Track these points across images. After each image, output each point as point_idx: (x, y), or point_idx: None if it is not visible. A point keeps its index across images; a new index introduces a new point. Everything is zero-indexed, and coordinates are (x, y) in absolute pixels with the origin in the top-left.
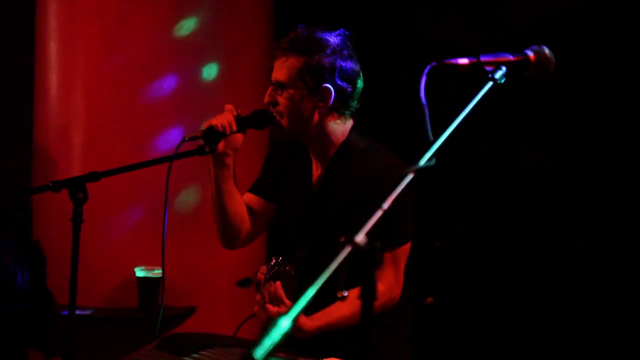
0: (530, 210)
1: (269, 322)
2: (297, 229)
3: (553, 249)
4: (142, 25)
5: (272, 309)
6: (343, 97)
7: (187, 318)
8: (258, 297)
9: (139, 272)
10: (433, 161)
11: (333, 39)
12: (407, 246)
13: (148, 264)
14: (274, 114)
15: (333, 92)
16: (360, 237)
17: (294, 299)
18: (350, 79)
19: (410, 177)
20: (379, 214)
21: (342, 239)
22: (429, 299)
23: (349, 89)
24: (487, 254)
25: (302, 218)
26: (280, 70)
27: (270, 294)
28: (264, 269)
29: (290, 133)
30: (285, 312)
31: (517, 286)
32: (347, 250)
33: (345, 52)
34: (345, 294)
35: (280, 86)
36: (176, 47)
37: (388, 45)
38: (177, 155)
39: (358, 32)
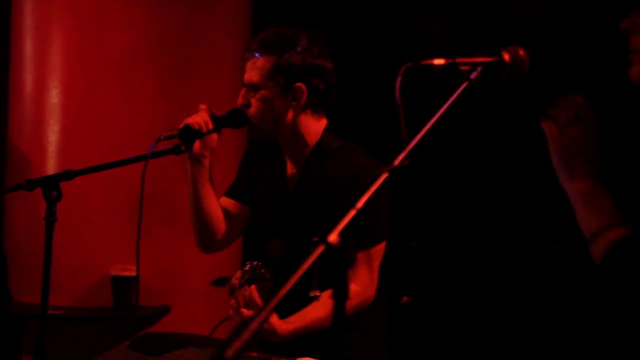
0: (507, 209)
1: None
2: (272, 230)
3: (530, 248)
4: (120, 24)
5: (247, 313)
6: (316, 95)
7: (161, 317)
8: (233, 301)
9: (114, 272)
10: (407, 161)
11: (303, 37)
12: (382, 246)
13: (123, 263)
14: (249, 116)
15: (306, 91)
16: (333, 237)
17: (269, 301)
18: (323, 76)
19: (384, 177)
20: (352, 213)
21: (315, 239)
22: (405, 298)
23: (322, 87)
24: (464, 253)
25: (277, 219)
26: (252, 71)
27: (245, 298)
28: (238, 274)
29: (264, 133)
30: (257, 312)
31: (494, 285)
32: (319, 250)
33: (316, 50)
34: (318, 293)
35: (252, 87)
36: (154, 46)
37: (366, 44)
38: (152, 154)
39: (336, 32)
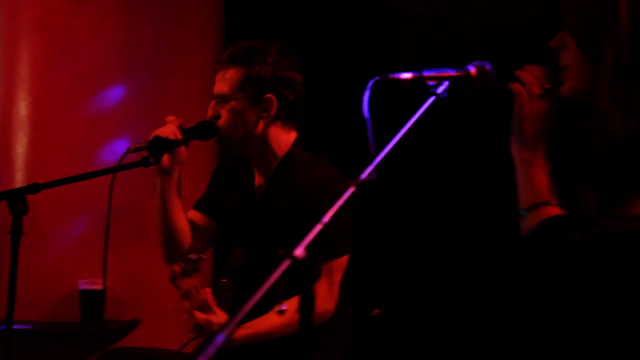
0: (477, 221)
1: (197, 330)
2: (236, 239)
3: (500, 258)
4: (89, 36)
5: (200, 316)
6: (286, 107)
7: (131, 331)
8: (187, 303)
9: (82, 285)
10: (374, 175)
11: (273, 49)
12: (344, 260)
13: (91, 276)
14: (219, 128)
15: (275, 102)
16: (299, 251)
17: (230, 311)
18: (292, 88)
19: (351, 191)
20: (318, 227)
21: (281, 252)
22: (376, 311)
23: (291, 99)
24: (435, 265)
25: (241, 228)
26: (221, 83)
27: (200, 302)
28: (180, 263)
29: (234, 145)
30: (222, 327)
31: (464, 297)
32: (285, 263)
33: (285, 62)
34: (284, 307)
35: (222, 99)
36: (124, 58)
37: (335, 58)
38: (120, 167)
39: (306, 46)
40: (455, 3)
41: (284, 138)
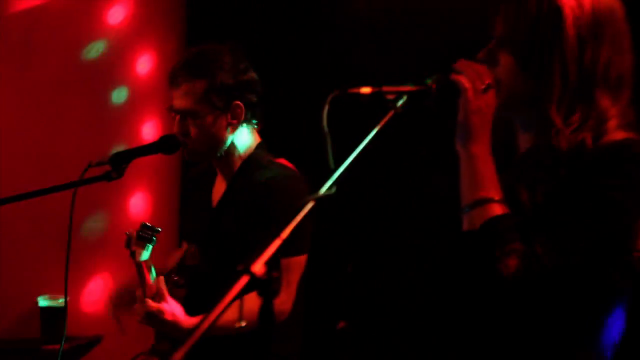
0: (441, 233)
1: (147, 319)
2: (193, 239)
3: (464, 271)
4: (49, 48)
5: (152, 304)
6: (252, 109)
7: (93, 347)
8: (139, 291)
9: (42, 301)
10: (334, 190)
11: (227, 54)
12: (301, 259)
13: (52, 292)
14: (185, 143)
15: (243, 107)
16: (257, 267)
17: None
18: (254, 89)
19: (309, 205)
20: (277, 243)
21: (240, 268)
22: (342, 324)
23: (255, 99)
24: (400, 277)
25: (199, 228)
26: (183, 98)
27: (152, 290)
28: (137, 228)
29: (204, 156)
30: (181, 344)
31: (432, 308)
32: (244, 280)
33: (242, 65)
34: (243, 324)
35: (188, 114)
36: (84, 70)
37: (295, 72)
38: (82, 181)
39: (264, 61)
40: (417, 16)
41: (249, 141)
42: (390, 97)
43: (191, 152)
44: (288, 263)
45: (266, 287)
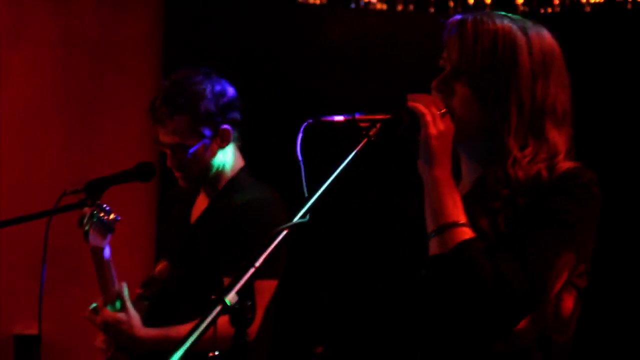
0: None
1: (103, 328)
2: (166, 254)
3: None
4: (24, 72)
5: (109, 314)
6: (238, 126)
7: None
8: (100, 300)
9: (16, 330)
10: (307, 217)
11: (204, 81)
12: (271, 283)
13: (26, 321)
14: (180, 176)
15: (231, 129)
16: (230, 296)
17: (144, 322)
18: (236, 107)
19: (284, 234)
20: (251, 271)
21: (213, 297)
22: (320, 349)
23: (239, 117)
24: (377, 300)
25: (175, 245)
26: (171, 135)
27: (112, 295)
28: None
29: (196, 181)
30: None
31: (406, 334)
32: (217, 309)
33: (217, 88)
34: (217, 353)
35: (178, 148)
36: (60, 95)
37: (270, 98)
38: (57, 209)
39: (241, 86)
40: (392, 45)
41: (235, 161)
42: (363, 124)
43: (187, 180)
44: (258, 286)
45: (239, 316)
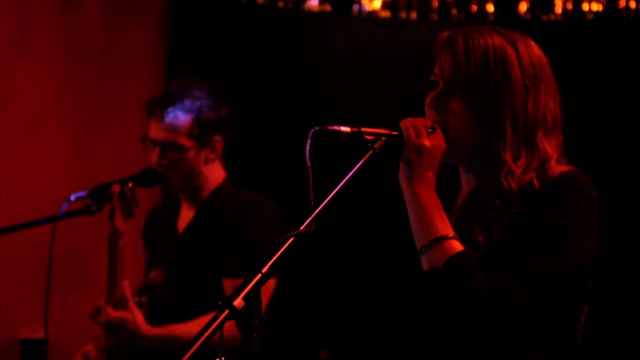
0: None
1: (107, 329)
2: (159, 262)
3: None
4: (30, 81)
5: (113, 313)
6: (227, 143)
7: None
8: (102, 300)
9: (22, 334)
10: (313, 226)
11: (209, 89)
12: (270, 282)
13: (32, 325)
14: (165, 173)
15: (222, 142)
16: (237, 301)
17: None
18: (230, 125)
19: (289, 241)
20: (257, 277)
21: (220, 303)
22: (324, 353)
23: (230, 135)
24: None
25: (168, 254)
26: (167, 131)
27: (116, 297)
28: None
29: (180, 188)
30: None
31: (406, 341)
32: (224, 314)
33: (221, 101)
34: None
35: (171, 146)
36: (65, 106)
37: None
38: (62, 215)
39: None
40: (395, 50)
41: (219, 173)
42: (369, 137)
43: (168, 185)
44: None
45: (246, 321)
